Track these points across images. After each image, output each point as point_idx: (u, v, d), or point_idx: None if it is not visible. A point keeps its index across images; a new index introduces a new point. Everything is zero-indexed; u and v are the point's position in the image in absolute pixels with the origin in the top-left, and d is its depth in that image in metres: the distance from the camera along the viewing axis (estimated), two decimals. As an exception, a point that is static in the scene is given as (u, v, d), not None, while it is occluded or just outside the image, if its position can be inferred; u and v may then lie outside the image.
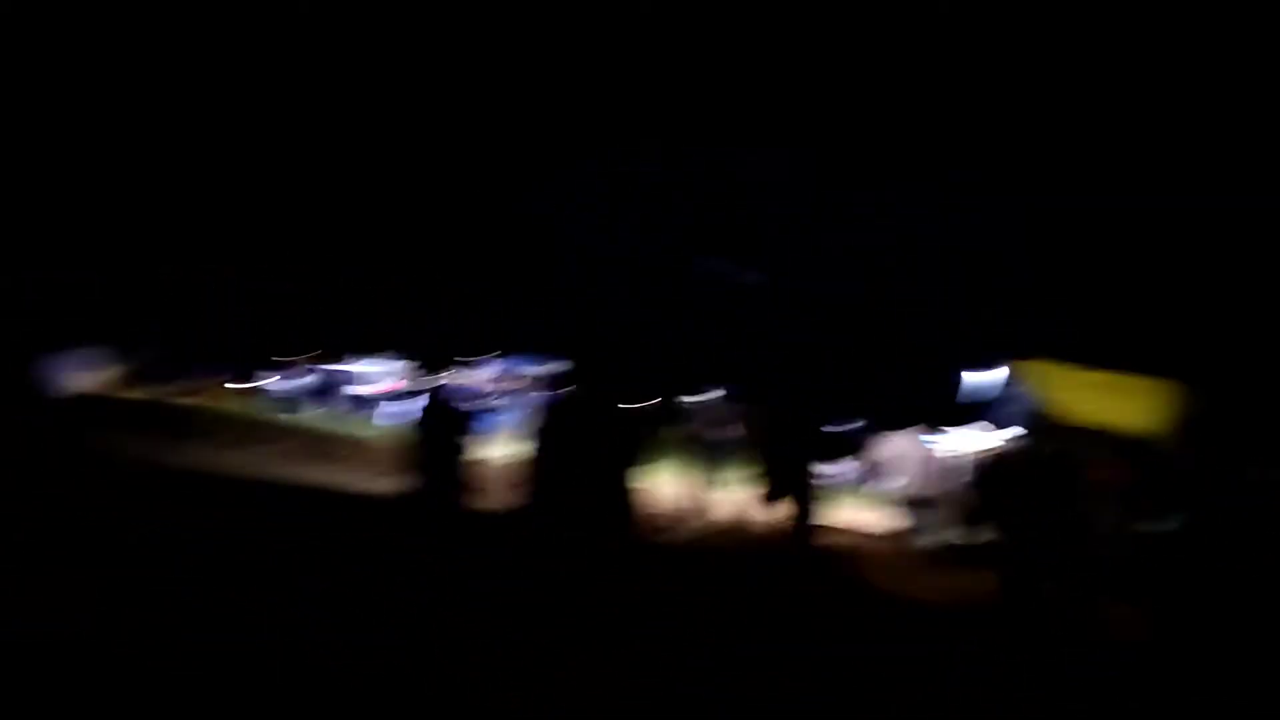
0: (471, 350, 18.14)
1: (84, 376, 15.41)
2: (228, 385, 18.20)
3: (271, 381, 19.59)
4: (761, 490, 10.74)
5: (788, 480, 10.63)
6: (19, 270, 16.62)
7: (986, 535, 11.90)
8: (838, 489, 11.34)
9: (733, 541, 10.67)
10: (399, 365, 23.10)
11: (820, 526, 10.91)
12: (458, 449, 10.04)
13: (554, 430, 9.37)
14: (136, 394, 16.25)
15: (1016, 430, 12.35)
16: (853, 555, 10.85)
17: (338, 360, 19.33)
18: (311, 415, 17.72)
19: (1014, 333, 15.92)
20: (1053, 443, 8.82)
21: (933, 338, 18.16)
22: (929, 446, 13.04)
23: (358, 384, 22.62)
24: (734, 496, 11.34)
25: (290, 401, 19.07)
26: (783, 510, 10.72)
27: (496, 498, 10.17)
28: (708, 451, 12.22)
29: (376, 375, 23.28)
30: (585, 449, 9.22)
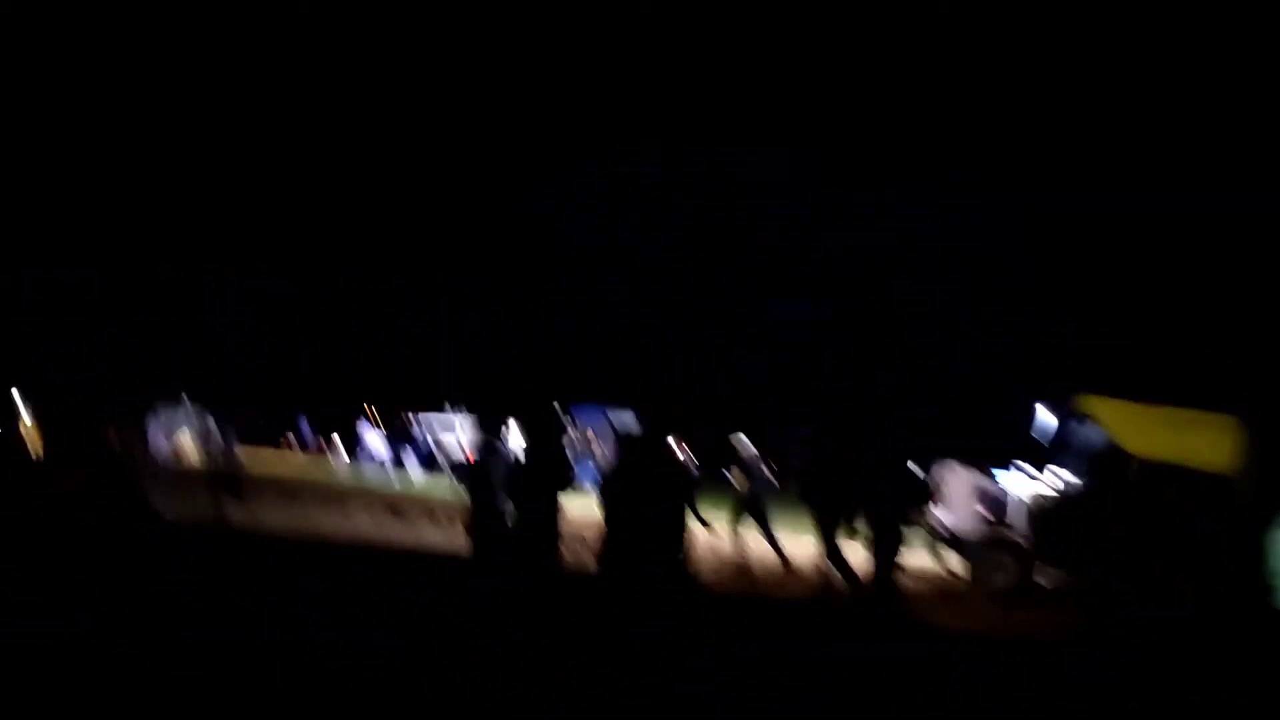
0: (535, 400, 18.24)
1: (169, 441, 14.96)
2: (312, 448, 18.06)
3: (362, 442, 19.58)
4: (822, 535, 10.59)
5: (850, 524, 10.61)
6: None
7: (1059, 576, 12.03)
8: (905, 530, 11.35)
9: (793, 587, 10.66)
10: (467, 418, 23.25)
11: (890, 570, 10.99)
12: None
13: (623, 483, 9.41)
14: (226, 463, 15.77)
15: (1087, 469, 12.45)
16: (926, 597, 10.87)
17: (405, 410, 19.21)
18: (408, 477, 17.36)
19: (1079, 369, 15.79)
20: (1128, 481, 8.77)
21: (996, 373, 18.08)
22: (999, 486, 13.15)
23: (439, 440, 22.51)
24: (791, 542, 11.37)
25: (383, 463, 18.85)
26: (847, 556, 10.81)
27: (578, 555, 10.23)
28: (760, 498, 12.32)
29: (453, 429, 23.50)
30: (649, 501, 9.24)
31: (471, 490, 10.07)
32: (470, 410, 23.60)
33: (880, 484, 10.06)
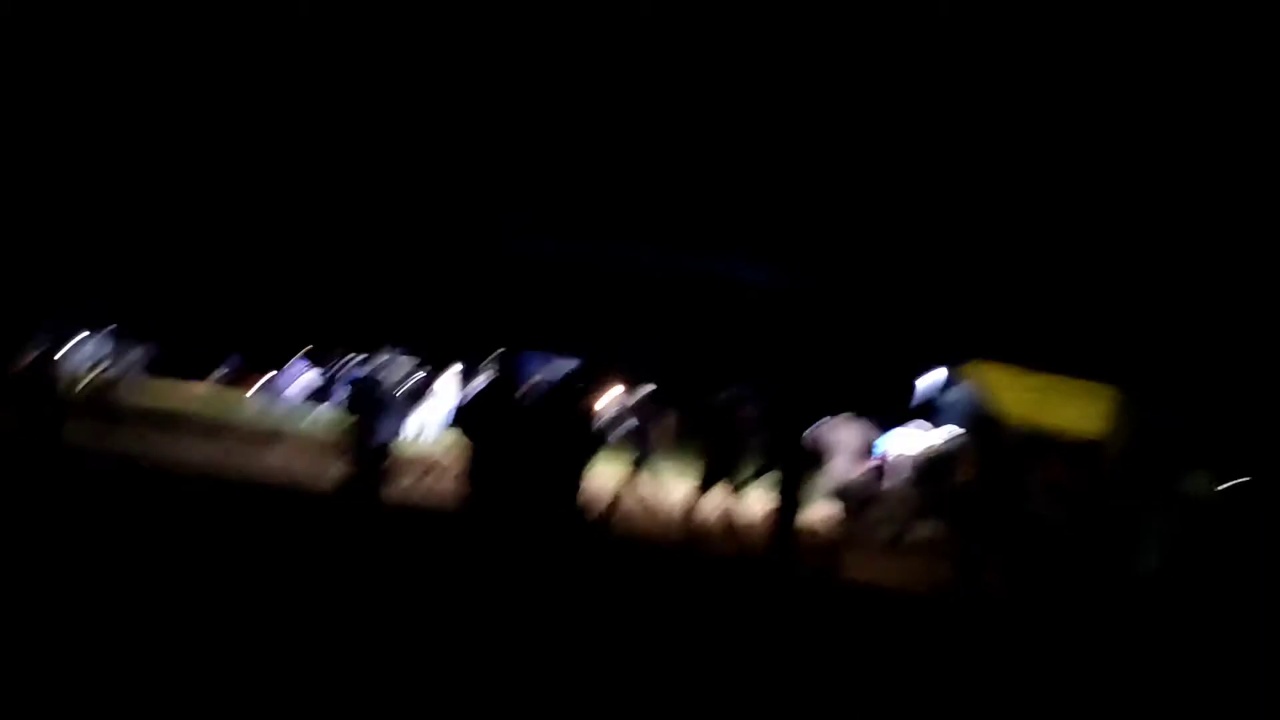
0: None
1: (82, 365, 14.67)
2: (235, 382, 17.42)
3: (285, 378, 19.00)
4: (709, 484, 10.85)
5: (740, 475, 10.84)
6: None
7: (937, 528, 12.59)
8: (792, 483, 11.67)
9: (692, 538, 10.82)
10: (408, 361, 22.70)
11: (776, 518, 11.05)
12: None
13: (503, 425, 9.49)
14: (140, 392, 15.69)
15: (964, 429, 12.94)
16: (812, 546, 11.21)
17: (341, 353, 18.59)
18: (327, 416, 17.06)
19: (960, 334, 16.36)
20: (1001, 443, 9.17)
21: (883, 336, 18.60)
22: (883, 443, 13.64)
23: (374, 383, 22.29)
24: (685, 490, 11.55)
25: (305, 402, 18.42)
26: (737, 504, 11.12)
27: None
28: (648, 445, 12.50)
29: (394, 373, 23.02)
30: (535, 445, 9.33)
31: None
32: (414, 354, 23.37)
33: (781, 441, 10.32)
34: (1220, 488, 11.53)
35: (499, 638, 6.34)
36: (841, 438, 12.35)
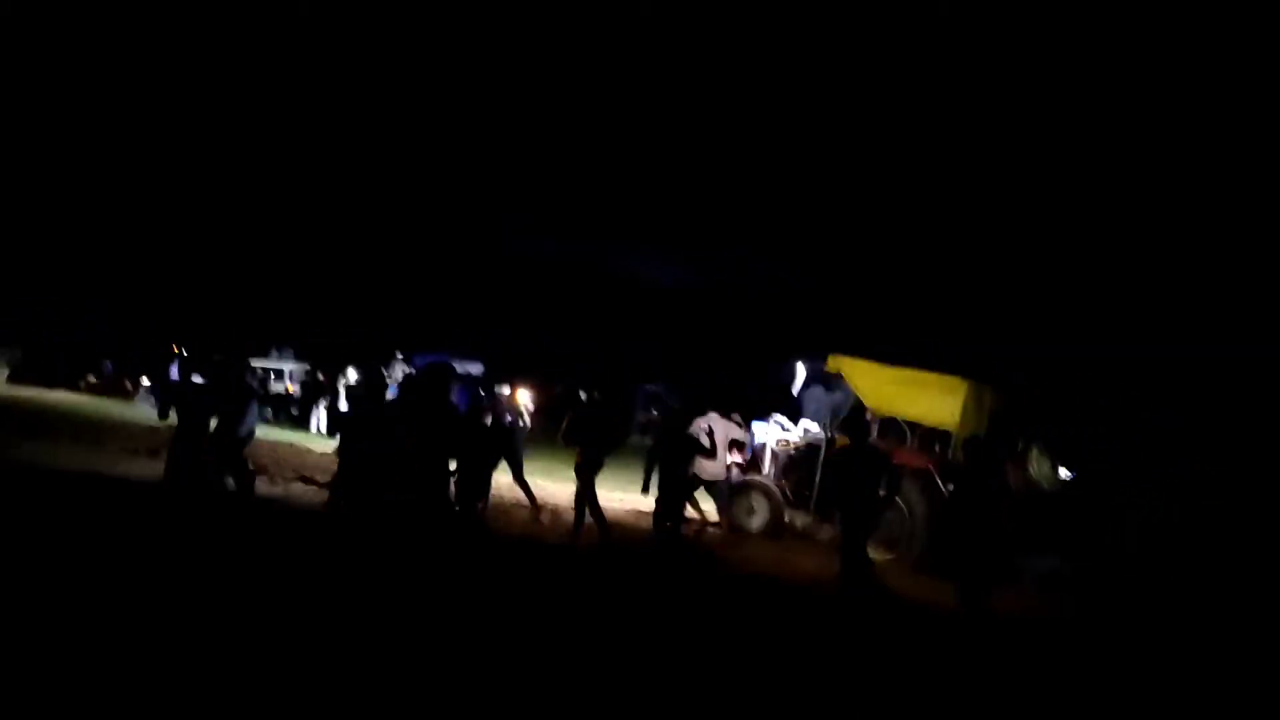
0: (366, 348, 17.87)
1: None
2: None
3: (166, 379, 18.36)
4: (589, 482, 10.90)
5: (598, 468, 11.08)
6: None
7: (807, 519, 13.10)
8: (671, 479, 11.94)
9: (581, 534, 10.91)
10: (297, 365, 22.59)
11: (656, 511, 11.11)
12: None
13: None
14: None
15: (829, 421, 13.54)
16: (690, 539, 11.42)
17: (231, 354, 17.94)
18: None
19: (823, 328, 16.91)
20: (863, 433, 9.61)
21: (748, 331, 19.08)
22: (753, 436, 14.03)
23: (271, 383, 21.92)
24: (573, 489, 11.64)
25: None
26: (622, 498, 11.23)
27: None
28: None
29: (284, 374, 22.86)
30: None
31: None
32: (299, 356, 23.01)
33: (663, 437, 10.60)
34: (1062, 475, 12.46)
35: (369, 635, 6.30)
36: (715, 430, 12.70)
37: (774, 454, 13.97)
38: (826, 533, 12.68)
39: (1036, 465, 12.42)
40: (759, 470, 13.87)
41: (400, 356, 19.89)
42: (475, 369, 19.65)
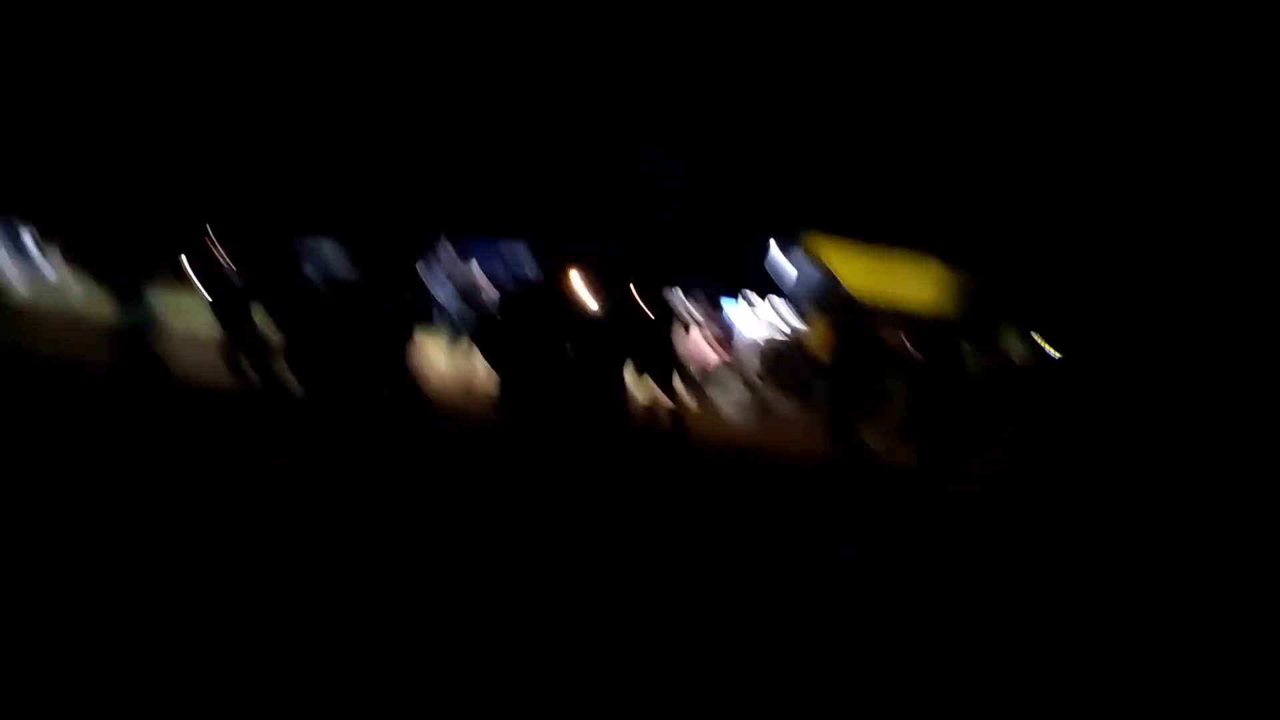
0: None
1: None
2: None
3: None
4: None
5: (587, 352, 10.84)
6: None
7: (787, 402, 13.09)
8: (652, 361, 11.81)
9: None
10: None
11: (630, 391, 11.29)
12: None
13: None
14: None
15: (812, 304, 13.42)
16: (665, 417, 11.40)
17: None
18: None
19: (806, 211, 16.67)
20: (849, 316, 9.49)
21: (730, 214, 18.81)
22: (735, 319, 14.02)
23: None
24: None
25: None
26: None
27: None
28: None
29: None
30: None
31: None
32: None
33: (638, 320, 10.47)
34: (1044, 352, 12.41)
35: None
36: (690, 310, 12.61)
37: (754, 333, 13.91)
38: (810, 416, 12.58)
39: (1010, 343, 12.39)
40: (733, 355, 13.69)
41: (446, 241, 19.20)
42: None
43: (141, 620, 4.30)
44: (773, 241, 14.67)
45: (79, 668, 3.84)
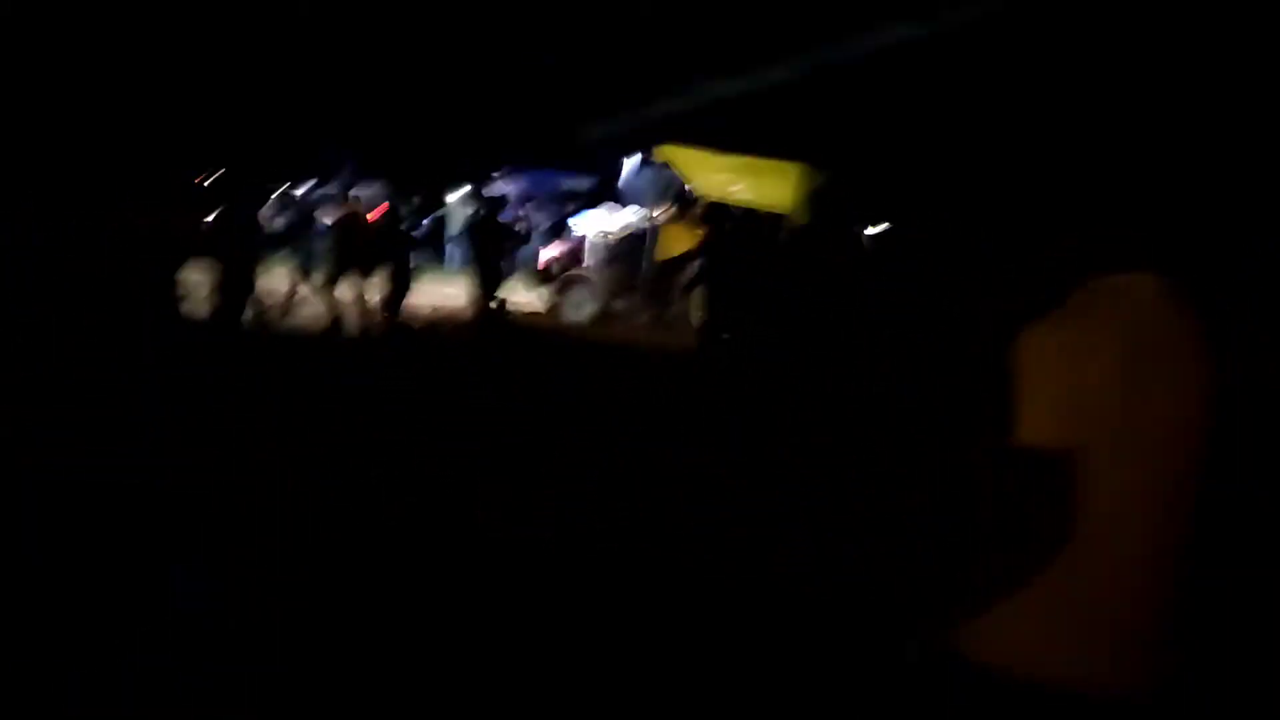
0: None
1: None
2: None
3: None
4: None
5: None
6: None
7: (638, 302, 13.27)
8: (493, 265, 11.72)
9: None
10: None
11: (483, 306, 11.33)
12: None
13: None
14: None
15: (661, 206, 13.60)
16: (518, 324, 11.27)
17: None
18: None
19: (657, 118, 16.62)
20: (702, 219, 9.57)
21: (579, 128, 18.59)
22: (578, 223, 14.33)
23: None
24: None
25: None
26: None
27: None
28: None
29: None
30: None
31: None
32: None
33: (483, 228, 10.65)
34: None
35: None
36: (537, 220, 12.48)
37: (593, 245, 14.03)
38: (651, 316, 13.07)
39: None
40: (580, 263, 13.97)
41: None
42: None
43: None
44: (621, 151, 14.70)
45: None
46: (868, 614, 4.28)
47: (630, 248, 13.63)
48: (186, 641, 4.17)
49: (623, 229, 14.00)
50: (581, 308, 13.38)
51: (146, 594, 4.57)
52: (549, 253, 13.93)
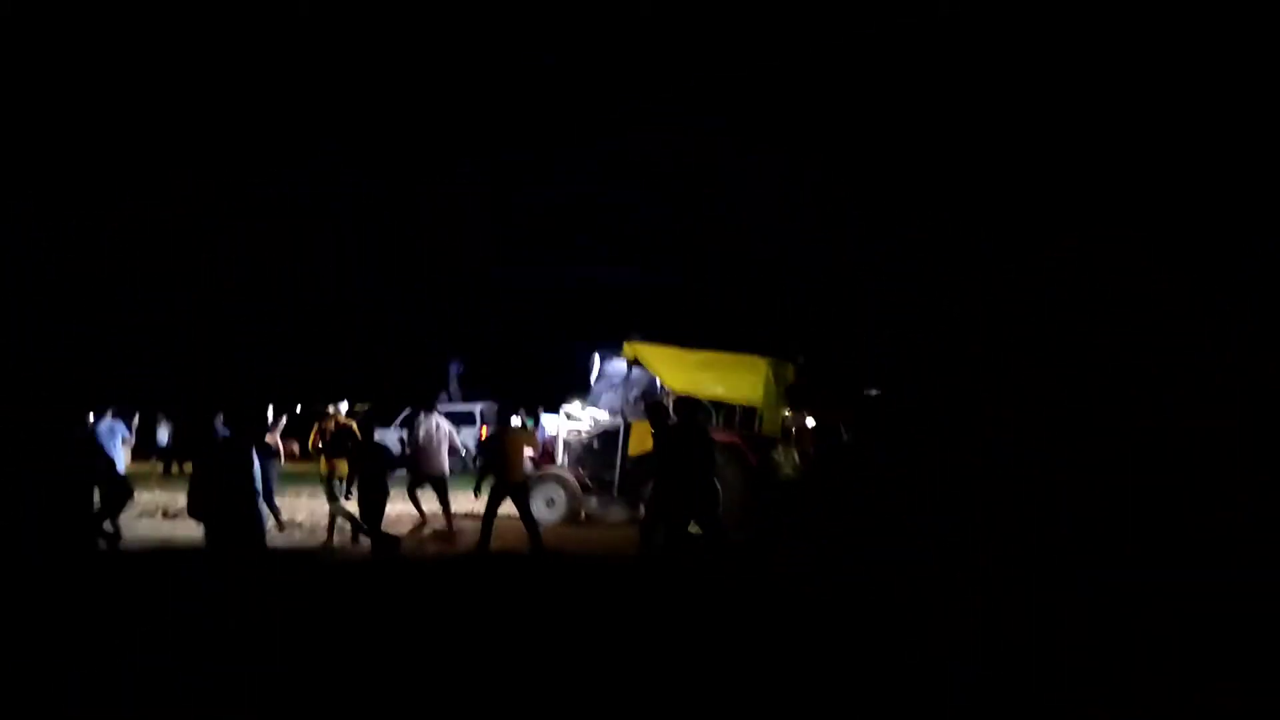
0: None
1: None
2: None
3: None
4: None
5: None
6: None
7: (604, 504, 12.77)
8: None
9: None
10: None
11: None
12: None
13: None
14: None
15: (628, 405, 13.22)
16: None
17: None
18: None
19: (622, 318, 16.64)
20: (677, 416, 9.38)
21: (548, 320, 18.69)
22: (542, 429, 14.08)
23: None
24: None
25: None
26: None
27: None
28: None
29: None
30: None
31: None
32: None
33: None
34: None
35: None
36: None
37: (566, 444, 13.58)
38: (624, 516, 12.54)
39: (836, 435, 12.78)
40: (552, 461, 13.47)
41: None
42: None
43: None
44: (594, 350, 14.56)
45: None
46: None
47: (603, 445, 13.18)
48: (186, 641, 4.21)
49: (595, 426, 13.62)
50: (554, 506, 12.80)
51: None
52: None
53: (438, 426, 11.60)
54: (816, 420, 13.27)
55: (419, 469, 11.47)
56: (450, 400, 23.22)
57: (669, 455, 8.73)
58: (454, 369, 25.18)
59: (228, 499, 7.17)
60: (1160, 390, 7.99)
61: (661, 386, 12.86)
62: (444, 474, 11.60)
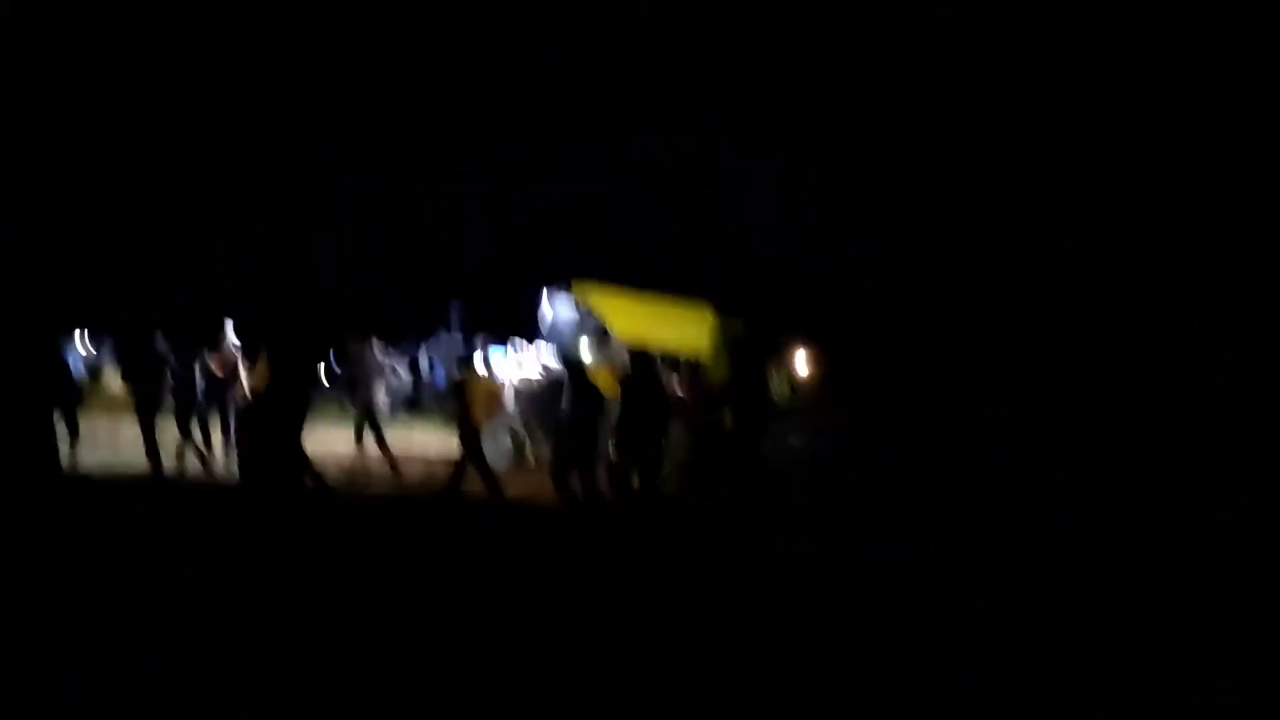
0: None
1: None
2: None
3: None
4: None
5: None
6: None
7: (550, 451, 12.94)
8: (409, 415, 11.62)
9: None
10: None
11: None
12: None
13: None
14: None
15: (581, 348, 13.15)
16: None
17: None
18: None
19: (569, 258, 16.54)
20: (623, 362, 9.47)
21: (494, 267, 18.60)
22: (498, 368, 13.68)
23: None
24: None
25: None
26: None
27: None
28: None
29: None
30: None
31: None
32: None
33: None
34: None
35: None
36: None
37: (516, 390, 13.64)
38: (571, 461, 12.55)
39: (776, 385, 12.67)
40: (502, 408, 13.31)
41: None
42: None
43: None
44: (543, 290, 14.49)
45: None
46: None
47: (551, 392, 12.99)
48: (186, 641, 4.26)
49: (544, 372, 13.77)
50: (501, 452, 12.91)
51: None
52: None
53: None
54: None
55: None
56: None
57: (624, 409, 8.94)
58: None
59: None
60: (1160, 390, 7.99)
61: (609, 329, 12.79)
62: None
